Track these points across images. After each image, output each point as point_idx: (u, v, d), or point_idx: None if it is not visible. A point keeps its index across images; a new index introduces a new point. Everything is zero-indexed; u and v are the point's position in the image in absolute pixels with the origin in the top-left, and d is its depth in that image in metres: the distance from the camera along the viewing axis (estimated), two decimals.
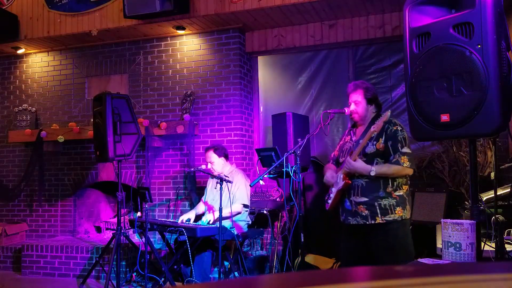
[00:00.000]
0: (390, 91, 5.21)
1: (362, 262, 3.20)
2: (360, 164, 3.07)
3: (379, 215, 3.09)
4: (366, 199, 3.12)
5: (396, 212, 3.09)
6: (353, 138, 3.32)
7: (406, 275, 0.86)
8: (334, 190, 3.26)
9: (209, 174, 4.55)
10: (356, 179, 3.16)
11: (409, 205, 3.18)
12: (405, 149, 3.09)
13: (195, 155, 5.37)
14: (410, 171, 3.12)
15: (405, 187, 3.17)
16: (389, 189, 3.11)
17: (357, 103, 3.26)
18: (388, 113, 3.03)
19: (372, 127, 3.04)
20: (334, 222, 3.53)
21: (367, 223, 3.12)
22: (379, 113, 3.31)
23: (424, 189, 4.25)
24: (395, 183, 3.13)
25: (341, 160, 3.36)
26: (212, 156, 4.52)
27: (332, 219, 3.58)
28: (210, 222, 4.33)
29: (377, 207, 3.09)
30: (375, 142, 3.12)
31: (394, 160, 3.07)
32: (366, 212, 3.12)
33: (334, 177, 3.30)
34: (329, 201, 3.30)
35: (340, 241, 3.40)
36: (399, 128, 3.14)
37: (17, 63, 6.38)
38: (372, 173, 3.03)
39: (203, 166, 4.52)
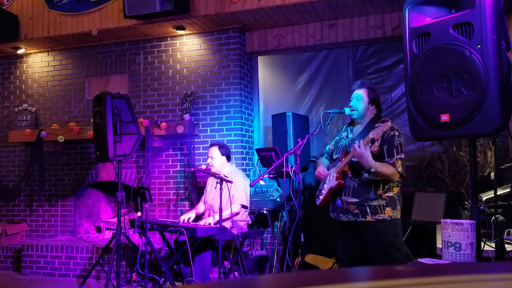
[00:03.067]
0: (390, 91, 5.21)
1: (357, 258, 3.27)
2: (368, 154, 3.03)
3: (369, 214, 3.15)
4: (356, 200, 3.18)
5: (385, 212, 3.14)
6: (350, 136, 3.35)
7: (406, 275, 0.86)
8: (326, 186, 3.29)
9: (209, 173, 4.55)
10: (349, 180, 3.20)
11: (399, 205, 3.23)
12: (400, 155, 3.14)
13: (195, 155, 5.37)
14: (398, 177, 3.15)
15: (396, 189, 3.22)
16: (380, 191, 3.17)
17: (359, 99, 3.30)
18: (389, 123, 3.08)
19: (371, 133, 3.05)
20: (332, 221, 3.54)
21: (358, 220, 3.18)
22: (379, 114, 3.33)
23: (424, 189, 4.26)
24: (386, 186, 3.18)
25: (335, 156, 3.40)
26: (215, 152, 4.52)
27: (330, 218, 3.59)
28: (211, 224, 4.32)
29: (367, 207, 3.16)
30: (370, 145, 3.14)
31: (391, 162, 3.10)
32: (357, 211, 3.19)
33: (325, 172, 3.34)
34: (320, 197, 3.36)
35: (335, 238, 3.43)
36: (397, 134, 3.16)
37: (17, 63, 6.38)
38: (373, 169, 3.02)
39: (203, 166, 4.52)
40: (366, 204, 3.15)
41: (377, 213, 3.13)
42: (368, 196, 3.15)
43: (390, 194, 3.17)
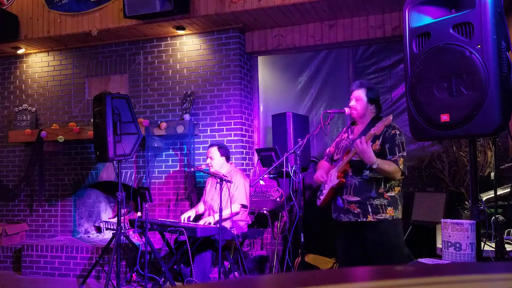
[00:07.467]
0: (390, 91, 5.21)
1: (357, 258, 3.26)
2: (370, 150, 3.03)
3: (371, 214, 3.13)
4: (358, 198, 3.17)
5: (387, 211, 3.13)
6: (350, 136, 3.34)
7: (406, 275, 0.86)
8: (327, 186, 3.29)
9: (209, 174, 4.55)
10: (350, 178, 3.19)
11: (401, 205, 3.22)
12: (402, 153, 3.14)
13: (195, 155, 5.37)
14: (400, 175, 3.15)
15: (397, 189, 3.21)
16: (381, 190, 3.15)
17: (358, 100, 3.29)
18: (391, 117, 3.05)
19: (372, 129, 3.05)
20: (333, 222, 3.54)
21: (359, 220, 3.17)
22: (379, 115, 3.33)
23: (424, 189, 4.25)
24: (387, 184, 3.17)
25: (335, 157, 3.38)
26: (215, 152, 4.52)
27: (332, 219, 3.58)
28: (211, 224, 4.33)
29: (369, 206, 3.14)
30: (371, 144, 3.13)
31: (393, 159, 3.09)
32: (358, 210, 3.17)
33: (324, 177, 3.31)
34: (321, 197, 3.34)
35: (336, 238, 3.43)
36: (398, 132, 3.16)
37: (17, 63, 6.38)
38: (375, 166, 3.01)
39: (203, 166, 4.52)
40: (367, 202, 3.13)
41: (379, 213, 3.12)
42: (370, 194, 3.13)
43: (392, 193, 3.16)
